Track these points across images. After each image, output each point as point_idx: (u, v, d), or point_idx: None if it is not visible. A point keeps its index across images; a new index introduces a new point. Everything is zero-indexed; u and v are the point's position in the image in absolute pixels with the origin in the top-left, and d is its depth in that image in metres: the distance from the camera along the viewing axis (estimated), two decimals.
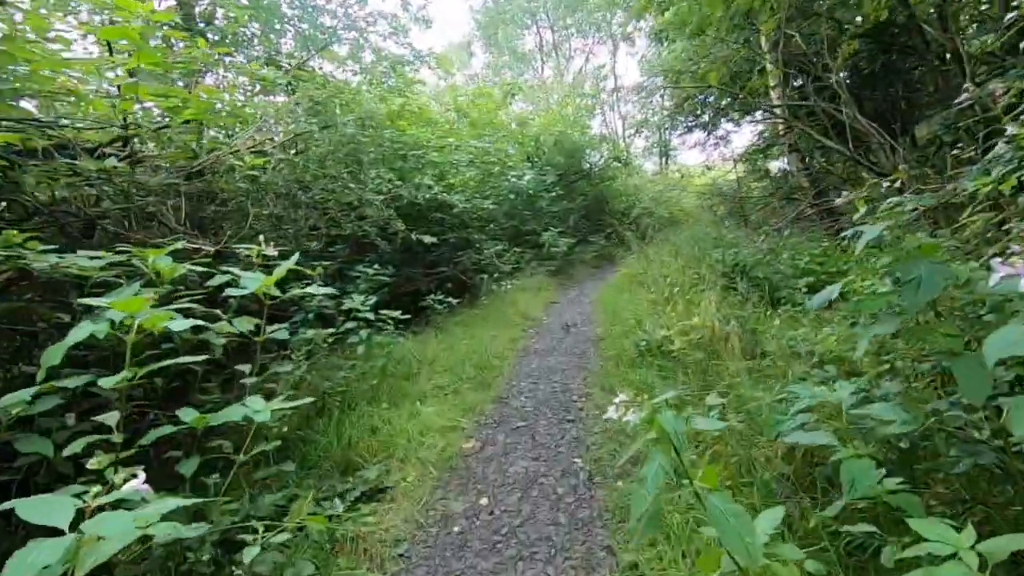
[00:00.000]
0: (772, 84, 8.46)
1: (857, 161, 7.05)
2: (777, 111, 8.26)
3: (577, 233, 12.27)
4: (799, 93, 8.43)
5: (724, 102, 12.23)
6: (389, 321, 4.78)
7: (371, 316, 4.12)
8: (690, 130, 15.62)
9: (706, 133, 15.46)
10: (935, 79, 7.41)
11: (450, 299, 6.30)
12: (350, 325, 3.94)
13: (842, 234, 6.23)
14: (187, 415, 1.90)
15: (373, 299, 4.32)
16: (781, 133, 8.32)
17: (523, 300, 7.67)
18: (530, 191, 9.81)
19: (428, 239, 4.98)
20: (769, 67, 8.49)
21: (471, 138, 8.68)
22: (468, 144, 7.46)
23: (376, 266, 5.52)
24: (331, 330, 3.76)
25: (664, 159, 25.98)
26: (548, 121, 11.65)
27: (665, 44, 11.42)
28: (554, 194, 10.30)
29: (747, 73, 9.21)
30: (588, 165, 13.12)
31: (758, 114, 14.63)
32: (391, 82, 8.36)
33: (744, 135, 26.93)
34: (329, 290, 3.03)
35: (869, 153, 7.42)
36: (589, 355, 5.32)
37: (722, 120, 14.69)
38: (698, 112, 14.45)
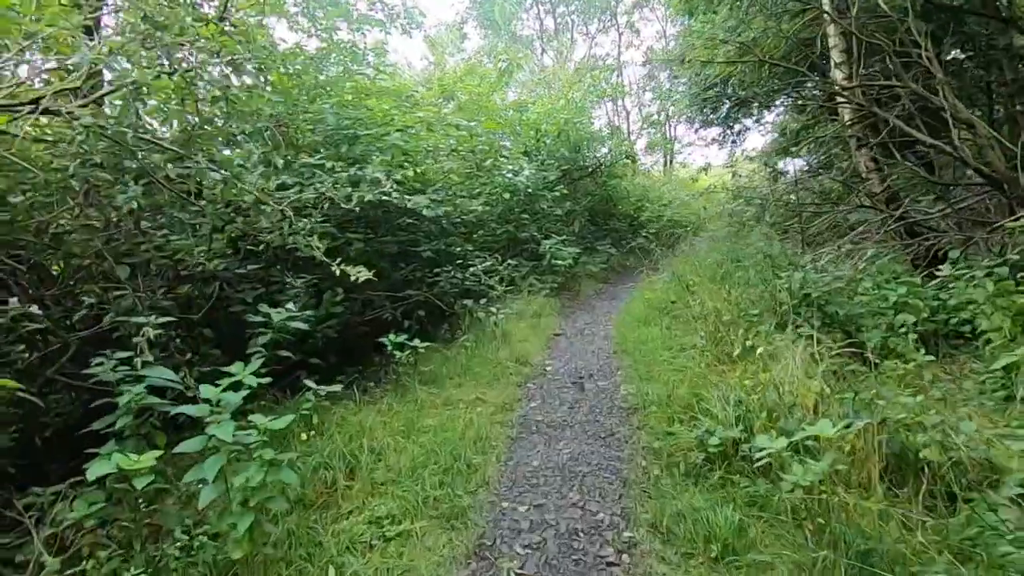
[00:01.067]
0: (837, 60, 6.69)
1: (964, 162, 5.32)
2: (843, 94, 6.50)
3: (582, 240, 10.50)
4: (870, 74, 6.70)
5: (757, 88, 10.49)
6: (312, 392, 3.01)
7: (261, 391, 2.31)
8: (706, 125, 13.88)
9: (726, 128, 13.73)
10: None
11: (418, 341, 4.50)
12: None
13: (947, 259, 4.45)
14: None
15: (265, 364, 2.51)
16: (848, 123, 6.57)
17: (519, 333, 5.88)
18: (528, 190, 8.02)
19: (360, 272, 3.14)
20: (833, 40, 6.74)
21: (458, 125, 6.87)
22: (448, 121, 5.64)
23: (302, 296, 3.74)
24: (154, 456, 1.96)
25: (669, 158, 24.29)
26: (550, 107, 9.86)
27: (694, 18, 9.64)
28: (557, 194, 8.51)
29: (801, 49, 7.46)
30: (595, 160, 11.34)
31: (782, 103, 12.91)
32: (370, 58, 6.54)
33: (754, 135, 25.27)
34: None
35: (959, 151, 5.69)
36: (620, 439, 3.54)
37: (742, 113, 12.97)
38: (716, 104, 12.72)
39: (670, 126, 22.80)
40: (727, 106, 12.05)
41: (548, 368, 5.07)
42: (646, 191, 15.33)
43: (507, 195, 7.62)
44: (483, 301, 5.67)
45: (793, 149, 13.35)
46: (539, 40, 20.97)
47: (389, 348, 4.40)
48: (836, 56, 6.76)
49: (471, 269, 5.73)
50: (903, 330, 4.12)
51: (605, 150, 11.77)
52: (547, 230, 8.79)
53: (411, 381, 4.29)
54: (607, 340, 5.92)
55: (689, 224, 16.88)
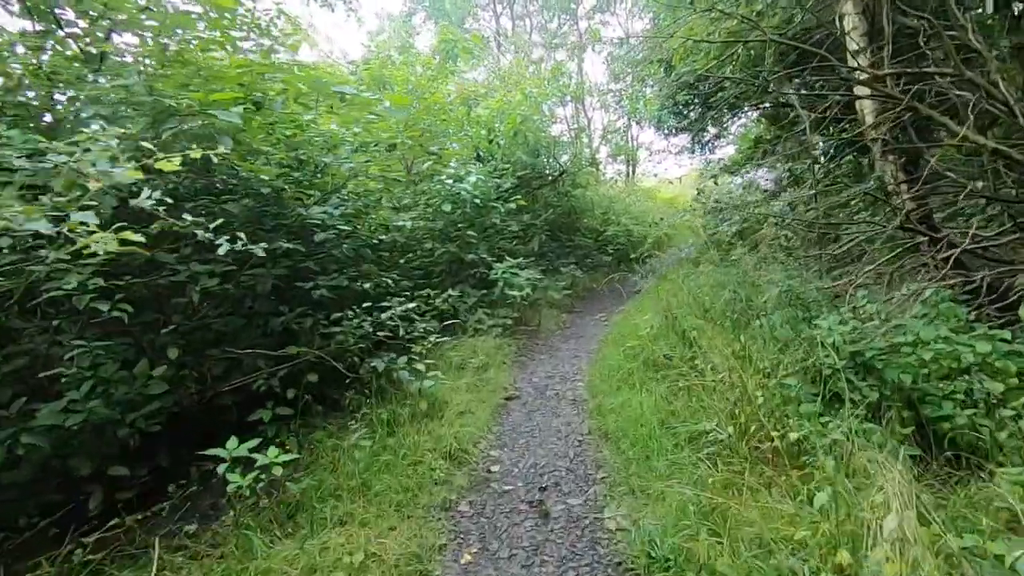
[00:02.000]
0: (857, 46, 5.40)
1: None
2: (873, 85, 5.19)
3: (543, 259, 8.93)
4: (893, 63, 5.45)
5: (754, 81, 9.28)
6: None
7: None
8: (677, 131, 12.67)
9: (697, 134, 12.55)
10: None
11: (273, 453, 2.74)
12: None
13: None
14: None
15: None
16: (872, 123, 5.29)
17: (457, 400, 4.21)
18: (476, 200, 6.38)
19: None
20: (851, 20, 5.46)
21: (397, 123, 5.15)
22: (346, 92, 3.94)
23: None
24: None
25: (632, 167, 23.26)
26: (504, 103, 8.29)
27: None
28: (512, 205, 6.91)
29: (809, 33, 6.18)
30: (558, 166, 9.83)
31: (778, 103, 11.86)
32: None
33: (727, 144, 24.66)
34: None
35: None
36: None
37: (725, 116, 11.81)
38: (689, 108, 11.51)
39: (632, 135, 21.78)
40: (702, 107, 10.83)
41: (494, 469, 3.39)
42: (611, 202, 14.00)
43: (447, 207, 5.96)
44: (402, 359, 3.96)
45: (762, 160, 12.31)
46: (495, 40, 19.52)
47: (226, 461, 2.63)
48: (855, 41, 5.46)
49: (386, 313, 4.01)
50: (996, 406, 2.76)
51: (566, 158, 10.27)
52: (500, 250, 7.16)
53: (253, 528, 2.52)
54: (578, 409, 4.30)
55: (657, 239, 15.69)
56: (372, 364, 3.79)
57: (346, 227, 4.13)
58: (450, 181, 6.04)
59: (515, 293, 6.03)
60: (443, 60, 8.19)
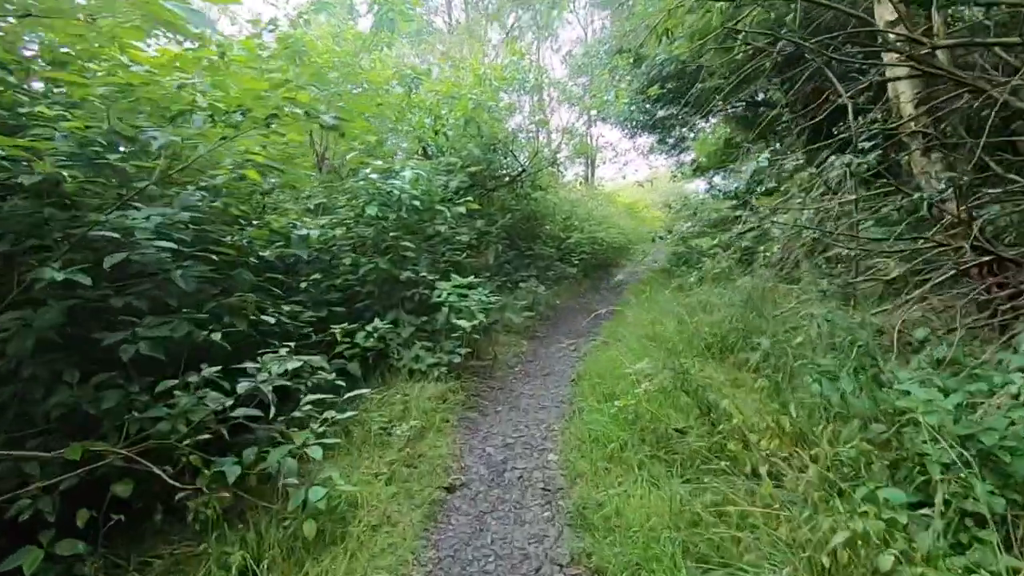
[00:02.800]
0: (889, 18, 4.34)
1: None
2: (918, 63, 4.13)
3: (499, 273, 7.58)
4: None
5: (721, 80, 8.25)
6: None
7: None
8: (644, 129, 11.62)
9: (664, 134, 11.54)
10: None
11: None
12: None
13: None
14: None
15: None
16: (911, 114, 4.24)
17: (371, 504, 2.79)
18: (415, 202, 4.95)
19: None
20: None
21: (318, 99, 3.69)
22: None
23: None
24: None
25: (591, 170, 22.32)
26: (454, 86, 6.88)
27: None
28: (462, 209, 5.49)
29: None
30: (517, 165, 8.51)
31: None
32: None
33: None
34: None
35: None
36: None
37: (683, 116, 10.81)
38: (659, 104, 10.46)
39: (592, 135, 20.82)
40: (676, 101, 9.78)
41: None
42: (574, 207, 12.84)
43: (373, 210, 4.51)
44: (280, 451, 2.50)
45: (739, 161, 11.46)
46: (448, 29, 18.05)
47: None
48: (886, 10, 4.41)
49: (252, 381, 2.53)
50: None
51: (524, 156, 8.93)
52: (446, 264, 5.76)
53: None
54: (551, 508, 2.95)
55: (621, 246, 14.67)
56: (216, 468, 2.31)
57: (189, 238, 2.64)
58: (376, 176, 4.59)
59: (463, 324, 4.64)
60: (377, 28, 6.70)
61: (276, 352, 2.90)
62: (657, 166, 16.89)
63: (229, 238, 3.16)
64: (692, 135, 11.57)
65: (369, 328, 4.45)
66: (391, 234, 4.94)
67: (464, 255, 6.05)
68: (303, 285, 3.84)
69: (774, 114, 10.15)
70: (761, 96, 11.37)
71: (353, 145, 5.32)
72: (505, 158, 8.26)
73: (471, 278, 5.69)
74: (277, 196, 4.27)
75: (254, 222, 3.41)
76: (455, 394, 4.47)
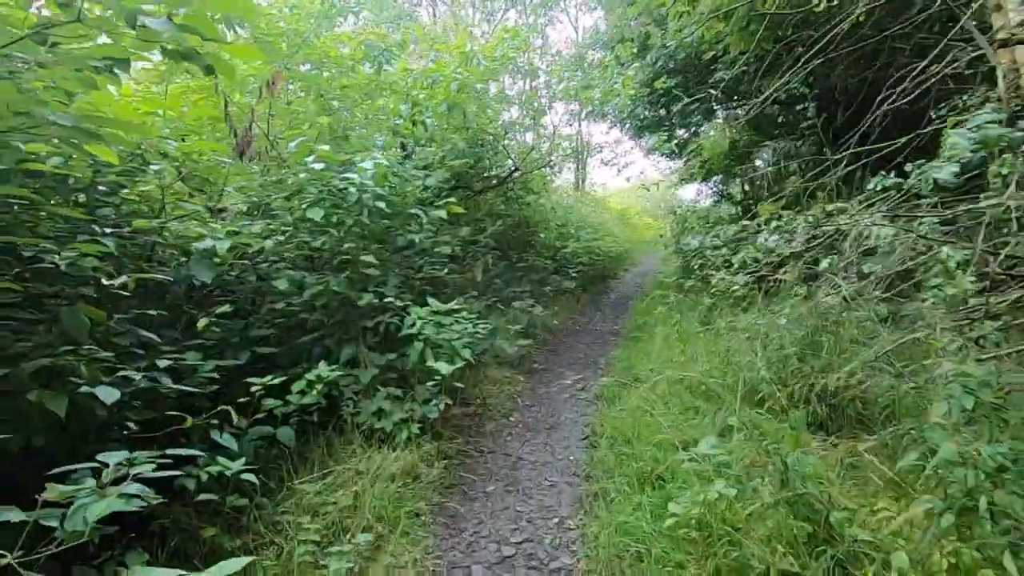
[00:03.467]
0: None
1: None
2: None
3: (488, 291, 6.39)
4: None
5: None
6: None
7: None
8: (649, 128, 10.54)
9: (671, 132, 10.46)
10: None
11: None
12: None
13: None
14: None
15: None
16: None
17: None
18: (380, 204, 3.73)
19: None
20: None
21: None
22: None
23: None
24: None
25: (582, 172, 21.29)
26: (435, 65, 5.69)
27: None
28: (441, 213, 4.27)
29: None
30: (511, 163, 7.34)
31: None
32: None
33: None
34: None
35: None
36: None
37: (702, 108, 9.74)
38: (669, 99, 9.38)
39: (584, 133, 19.81)
40: (690, 94, 8.70)
41: None
42: (568, 213, 11.72)
43: (316, 213, 3.29)
44: None
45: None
46: (433, 23, 16.85)
47: None
48: None
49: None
50: None
51: (513, 157, 7.69)
52: (422, 282, 4.56)
53: None
54: None
55: (618, 255, 13.60)
56: None
57: None
58: (320, 166, 3.36)
59: (441, 368, 3.44)
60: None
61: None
62: (655, 169, 15.87)
63: (56, 257, 1.92)
64: (700, 133, 10.53)
65: (311, 376, 3.22)
66: (347, 245, 3.71)
67: (446, 270, 4.85)
68: (201, 324, 2.60)
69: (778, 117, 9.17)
70: (770, 91, 10.40)
71: (303, 129, 4.09)
72: (495, 154, 7.08)
73: (456, 300, 4.49)
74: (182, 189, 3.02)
75: (106, 229, 2.18)
76: (431, 466, 3.25)
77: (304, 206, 3.38)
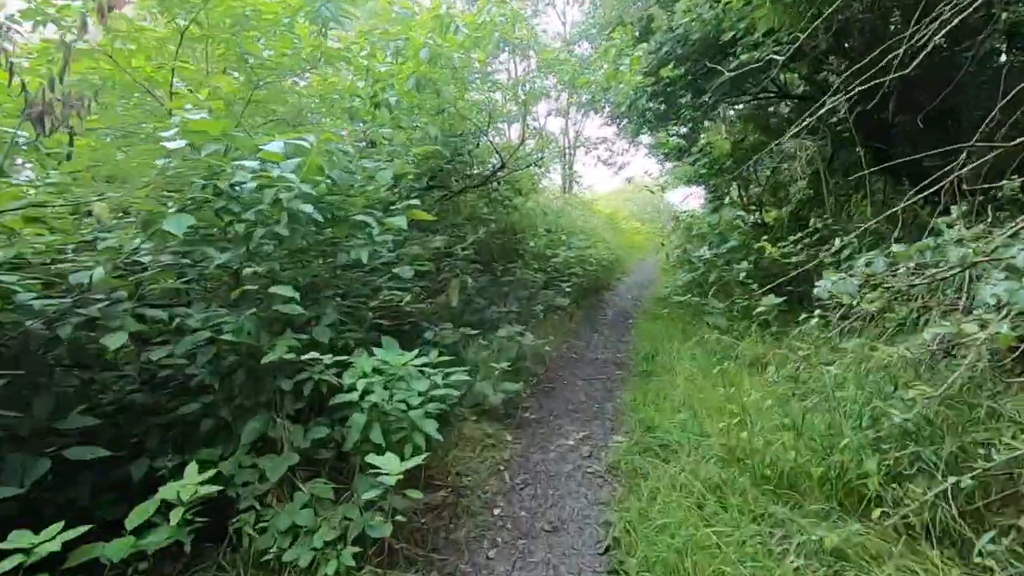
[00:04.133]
0: None
1: None
2: None
3: (466, 314, 5.16)
4: None
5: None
6: None
7: None
8: (653, 123, 9.40)
9: (677, 127, 9.33)
10: None
11: None
12: None
13: None
14: None
15: None
16: None
17: None
18: (309, 209, 2.49)
19: None
20: None
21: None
22: None
23: None
24: None
25: (569, 173, 20.16)
26: (401, 30, 4.46)
27: None
28: (400, 219, 3.03)
29: None
30: (498, 158, 6.12)
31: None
32: None
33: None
34: None
35: None
36: None
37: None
38: (677, 88, 8.26)
39: (569, 134, 18.70)
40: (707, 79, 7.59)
41: None
42: (558, 217, 10.56)
43: (178, 226, 2.03)
44: None
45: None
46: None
47: None
48: None
49: None
50: None
51: (496, 158, 6.40)
52: (376, 316, 3.32)
53: None
54: None
55: (613, 265, 12.49)
56: None
57: None
58: (182, 143, 2.09)
59: (390, 467, 2.21)
60: None
61: None
62: (643, 170, 14.85)
63: None
64: (704, 129, 9.45)
65: (177, 486, 1.96)
66: (249, 271, 2.46)
67: (408, 296, 3.61)
68: None
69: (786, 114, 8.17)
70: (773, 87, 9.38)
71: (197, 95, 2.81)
72: (477, 147, 5.86)
73: (423, 340, 3.28)
74: None
75: None
76: None
77: (151, 216, 2.11)
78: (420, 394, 2.72)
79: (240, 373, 2.54)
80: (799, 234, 6.64)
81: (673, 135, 8.17)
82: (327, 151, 2.97)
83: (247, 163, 2.33)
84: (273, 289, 2.42)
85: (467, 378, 3.51)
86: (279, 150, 2.36)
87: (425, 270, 4.15)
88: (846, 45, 7.35)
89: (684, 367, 5.09)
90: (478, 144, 5.96)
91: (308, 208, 2.57)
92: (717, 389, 4.17)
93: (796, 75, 8.25)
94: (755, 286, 6.46)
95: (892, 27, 6.36)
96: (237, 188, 2.50)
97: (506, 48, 5.70)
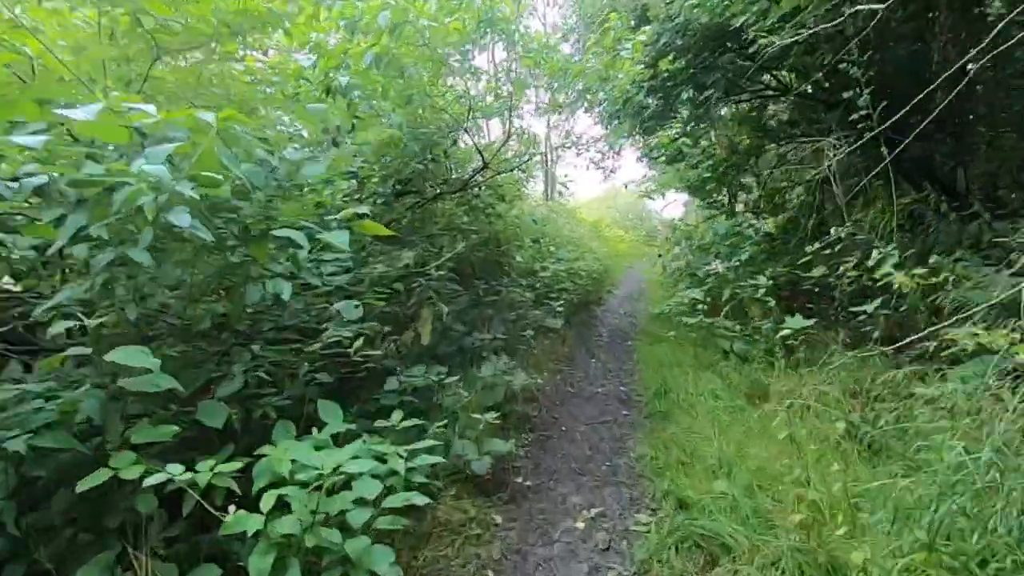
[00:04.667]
0: None
1: None
2: None
3: (441, 345, 4.21)
4: None
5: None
6: None
7: None
8: (649, 121, 8.59)
9: (679, 123, 8.54)
10: None
11: None
12: None
13: None
14: None
15: None
16: None
17: None
18: (187, 218, 1.54)
19: None
20: None
21: None
22: None
23: None
24: None
25: (551, 179, 19.35)
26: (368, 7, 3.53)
27: None
28: (344, 237, 2.10)
29: None
30: (480, 158, 5.17)
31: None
32: None
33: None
34: None
35: None
36: None
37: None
38: (677, 81, 7.47)
39: (551, 137, 17.95)
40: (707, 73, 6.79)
41: None
42: (543, 225, 9.68)
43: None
44: None
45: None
46: None
47: None
48: None
49: None
50: None
51: (478, 159, 5.42)
52: (309, 374, 2.35)
53: None
54: None
55: (601, 277, 11.66)
56: None
57: None
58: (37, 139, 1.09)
59: None
60: None
61: None
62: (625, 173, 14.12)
63: None
64: (704, 128, 8.67)
65: None
66: (95, 321, 1.49)
67: (357, 344, 2.64)
68: None
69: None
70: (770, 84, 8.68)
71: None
72: (452, 145, 4.93)
73: (394, 387, 2.34)
74: None
75: None
76: None
77: None
78: (368, 503, 1.78)
79: (63, 493, 1.56)
80: (817, 244, 5.88)
81: (677, 136, 7.36)
82: (233, 136, 2.01)
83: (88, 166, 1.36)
84: (112, 355, 1.45)
85: (439, 442, 2.57)
86: (89, 117, 1.39)
87: (388, 296, 3.20)
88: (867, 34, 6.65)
89: (706, 406, 4.23)
90: (455, 142, 5.03)
91: (185, 220, 1.62)
92: (761, 442, 3.30)
93: (817, 62, 7.46)
94: (772, 304, 5.67)
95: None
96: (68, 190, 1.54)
97: (488, 31, 4.81)
